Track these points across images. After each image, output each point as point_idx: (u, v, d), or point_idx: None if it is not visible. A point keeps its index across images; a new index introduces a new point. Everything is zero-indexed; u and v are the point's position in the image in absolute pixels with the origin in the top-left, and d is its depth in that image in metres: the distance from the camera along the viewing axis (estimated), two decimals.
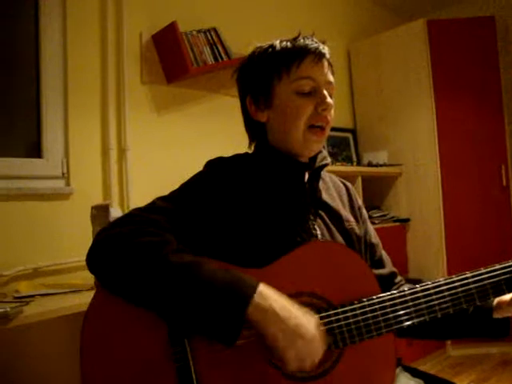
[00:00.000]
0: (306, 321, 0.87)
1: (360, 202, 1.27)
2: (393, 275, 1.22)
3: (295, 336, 0.84)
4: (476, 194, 3.26)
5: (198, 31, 2.57)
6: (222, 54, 2.59)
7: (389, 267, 1.23)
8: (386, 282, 1.18)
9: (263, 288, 0.86)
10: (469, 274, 1.00)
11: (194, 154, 2.62)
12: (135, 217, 0.96)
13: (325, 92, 1.07)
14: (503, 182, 3.25)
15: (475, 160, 3.28)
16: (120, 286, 0.90)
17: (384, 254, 1.24)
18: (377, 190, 3.49)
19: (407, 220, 3.37)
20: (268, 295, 0.85)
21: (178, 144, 2.60)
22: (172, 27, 2.42)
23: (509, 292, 1.00)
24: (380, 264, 1.21)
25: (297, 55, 1.07)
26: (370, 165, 3.36)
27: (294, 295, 0.92)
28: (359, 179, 3.08)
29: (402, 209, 3.42)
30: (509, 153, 3.31)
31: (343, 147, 3.53)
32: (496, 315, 1.06)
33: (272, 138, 1.13)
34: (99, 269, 0.92)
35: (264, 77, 1.10)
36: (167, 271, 0.86)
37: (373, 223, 3.06)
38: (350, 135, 3.62)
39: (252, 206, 1.04)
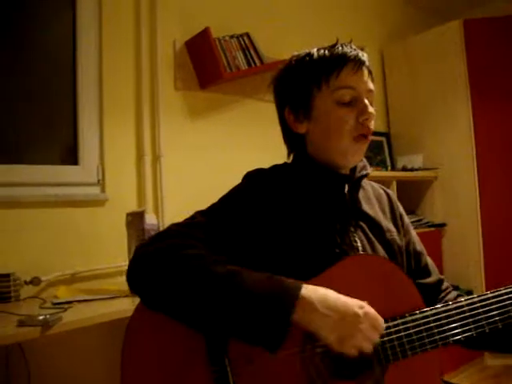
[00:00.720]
0: (352, 306, 0.86)
1: (401, 209, 1.23)
2: (439, 283, 1.19)
3: (346, 327, 0.83)
4: None
5: (231, 36, 2.57)
6: (255, 59, 2.59)
7: (435, 275, 1.19)
8: (433, 291, 1.16)
9: (306, 288, 0.85)
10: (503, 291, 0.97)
11: (229, 160, 2.63)
12: (174, 232, 0.96)
13: (366, 101, 1.04)
14: None
15: None
16: (161, 300, 0.89)
17: (429, 261, 1.21)
18: (411, 194, 3.43)
19: (443, 225, 3.30)
20: (312, 296, 0.84)
21: (211, 150, 2.60)
22: (205, 33, 2.43)
23: None
24: (426, 272, 1.18)
25: (336, 64, 1.04)
26: (404, 169, 3.31)
27: None
28: (394, 184, 3.03)
29: (437, 213, 3.35)
30: None
31: (377, 151, 3.48)
32: None
33: (312, 150, 1.10)
34: (140, 285, 0.92)
35: (302, 87, 1.07)
36: (210, 281, 0.85)
37: None
38: (383, 139, 3.56)
39: (292, 219, 1.02)
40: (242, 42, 2.59)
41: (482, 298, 0.95)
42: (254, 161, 2.59)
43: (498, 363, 3.09)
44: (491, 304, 0.95)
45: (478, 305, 0.94)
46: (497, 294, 0.96)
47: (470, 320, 0.94)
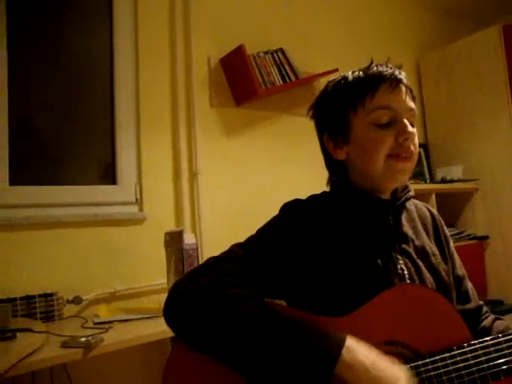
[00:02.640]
0: (398, 375, 0.81)
1: (447, 231, 1.18)
2: (479, 309, 1.15)
3: None
4: None
5: (265, 52, 2.58)
6: (290, 74, 2.58)
7: (475, 301, 1.15)
8: (473, 317, 1.12)
9: (350, 343, 0.81)
10: None
11: (266, 176, 2.63)
12: (212, 267, 0.93)
13: (405, 121, 0.98)
14: None
15: None
16: (200, 342, 0.88)
17: (470, 286, 1.17)
18: (451, 206, 3.35)
19: (485, 237, 3.20)
20: (356, 351, 0.80)
21: (248, 166, 2.61)
22: (239, 50, 2.45)
23: None
24: (466, 298, 1.14)
25: (370, 84, 1.00)
26: (443, 181, 3.23)
27: (382, 344, 0.87)
28: (433, 197, 2.96)
29: (479, 226, 3.25)
30: None
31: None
32: None
33: (353, 176, 1.07)
34: (177, 323, 0.90)
35: (339, 112, 1.04)
36: (250, 328, 0.83)
37: None
38: (421, 150, 3.50)
39: (333, 250, 0.99)
40: (277, 58, 2.59)
41: None
42: (292, 177, 2.62)
43: None
44: None
45: None
46: None
47: None
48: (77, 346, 1.40)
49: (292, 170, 2.64)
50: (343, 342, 0.80)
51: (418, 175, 3.37)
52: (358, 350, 0.81)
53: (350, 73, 1.06)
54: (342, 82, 1.05)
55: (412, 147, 0.99)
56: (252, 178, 2.60)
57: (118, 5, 2.32)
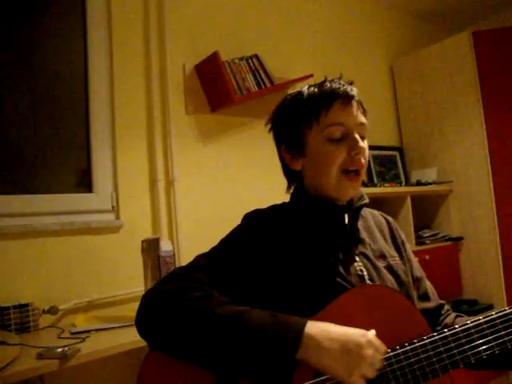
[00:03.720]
0: (354, 335, 0.87)
1: (403, 236, 1.25)
2: (439, 308, 1.20)
3: (351, 357, 0.85)
4: None
5: (240, 59, 2.59)
6: (265, 80, 2.60)
7: (435, 300, 1.21)
8: (433, 316, 1.16)
9: (310, 326, 0.86)
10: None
11: (242, 182, 2.64)
12: (179, 275, 0.98)
13: (356, 136, 1.06)
14: None
15: None
16: (170, 343, 0.91)
17: (429, 286, 1.23)
18: (427, 208, 3.40)
19: (460, 238, 3.26)
20: (315, 332, 0.86)
21: (225, 173, 2.61)
22: (214, 57, 2.45)
23: None
24: (425, 297, 1.19)
25: (324, 102, 1.06)
26: (418, 183, 3.28)
27: None
28: (408, 200, 3.01)
29: (453, 227, 3.31)
30: None
31: (390, 166, 3.47)
32: None
33: (308, 185, 1.13)
34: (149, 330, 0.94)
35: (295, 126, 1.10)
36: (216, 322, 0.87)
37: (423, 243, 3.03)
38: (396, 153, 3.55)
39: (294, 256, 1.03)
40: (252, 64, 2.60)
41: (488, 319, 0.95)
42: (268, 182, 2.63)
43: None
44: (498, 324, 0.94)
45: (485, 326, 0.94)
46: (502, 314, 0.95)
47: (479, 342, 0.93)
48: (52, 357, 1.38)
49: (268, 176, 2.65)
50: (303, 325, 0.86)
51: (393, 178, 3.42)
52: (318, 330, 0.86)
53: (305, 88, 1.12)
54: (298, 97, 1.11)
55: (363, 160, 1.06)
56: (229, 185, 2.61)
57: (91, 13, 2.31)
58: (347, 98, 1.06)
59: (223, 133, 2.65)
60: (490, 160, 3.14)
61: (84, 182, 2.26)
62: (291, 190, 1.20)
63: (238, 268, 1.01)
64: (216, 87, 2.50)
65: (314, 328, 0.86)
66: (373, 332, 0.90)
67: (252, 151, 2.72)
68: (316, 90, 1.09)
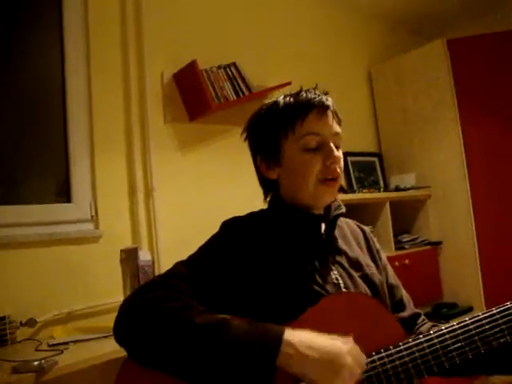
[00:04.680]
0: (335, 344, 0.87)
1: (378, 245, 1.27)
2: (414, 317, 1.21)
3: (331, 366, 0.84)
4: (509, 213, 3.16)
5: (218, 67, 2.60)
6: (243, 89, 2.61)
7: (410, 309, 1.22)
8: (408, 325, 1.17)
9: (289, 334, 0.86)
10: (495, 311, 0.98)
11: (222, 190, 2.65)
12: (158, 283, 0.98)
13: (331, 145, 1.07)
14: None
15: (506, 178, 3.19)
16: (148, 354, 0.90)
17: (404, 294, 1.24)
18: (406, 213, 3.44)
19: (439, 243, 3.29)
20: (295, 340, 0.85)
21: (204, 181, 2.61)
22: (192, 65, 2.46)
23: None
24: (400, 306, 1.21)
25: (300, 112, 1.07)
26: (397, 189, 3.31)
27: None
28: (387, 205, 3.04)
29: (432, 232, 3.35)
30: None
31: (369, 172, 3.50)
32: None
33: (284, 194, 1.14)
34: (127, 339, 0.93)
35: (270, 136, 1.11)
36: (194, 333, 0.86)
37: (403, 248, 3.06)
38: (375, 159, 3.58)
39: (271, 263, 1.04)
40: (230, 72, 2.61)
41: (462, 324, 0.96)
42: (248, 191, 2.61)
43: (504, 378, 3.06)
44: (471, 330, 0.95)
45: (459, 331, 0.95)
46: (475, 319, 0.97)
47: (452, 347, 0.94)
48: (28, 370, 1.36)
49: (248, 184, 2.64)
50: (281, 334, 0.85)
51: (372, 184, 3.45)
52: (296, 339, 0.86)
53: (281, 98, 1.13)
54: (274, 107, 1.12)
55: (338, 169, 1.08)
56: (208, 193, 2.60)
57: (68, 21, 2.29)
58: (322, 108, 1.08)
59: (202, 141, 2.65)
60: (467, 164, 3.19)
61: (63, 193, 2.24)
62: (268, 199, 1.20)
63: (217, 275, 1.01)
64: (194, 96, 2.51)
65: (294, 336, 0.86)
66: (350, 338, 0.90)
67: (231, 159, 2.73)
68: (292, 99, 1.10)
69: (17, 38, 2.21)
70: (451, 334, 0.95)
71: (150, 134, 2.43)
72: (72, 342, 1.74)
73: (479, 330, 0.95)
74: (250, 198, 2.47)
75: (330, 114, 1.09)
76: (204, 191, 2.60)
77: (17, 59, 2.21)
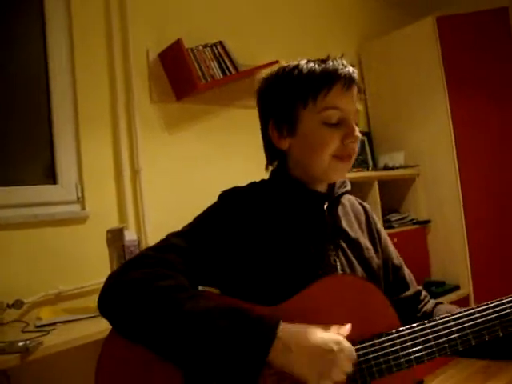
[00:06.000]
0: (328, 342, 0.84)
1: (379, 224, 1.21)
2: (418, 294, 1.18)
3: (323, 364, 0.82)
4: (496, 191, 3.19)
5: (204, 46, 2.57)
6: (230, 67, 2.59)
7: (413, 287, 1.19)
8: (412, 303, 1.16)
9: (282, 327, 0.83)
10: (490, 305, 0.95)
11: (210, 170, 2.64)
12: (148, 258, 0.92)
13: (353, 124, 1.00)
14: None
15: (494, 157, 3.21)
16: (135, 333, 0.87)
17: (407, 273, 1.20)
18: (394, 192, 3.45)
19: (427, 222, 3.32)
20: (287, 335, 0.82)
21: (191, 161, 2.60)
22: (177, 44, 2.43)
23: None
24: (404, 285, 1.18)
25: (325, 82, 0.98)
26: (386, 168, 3.31)
27: None
28: (375, 184, 3.04)
29: (421, 211, 3.37)
30: None
31: (359, 151, 3.46)
32: None
33: (292, 167, 1.07)
34: (112, 314, 0.89)
35: (288, 103, 1.02)
36: (183, 320, 0.82)
37: (391, 227, 3.07)
38: (364, 138, 3.58)
39: (270, 239, 0.99)
40: (216, 51, 2.59)
41: (456, 316, 0.94)
42: (235, 170, 2.63)
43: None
44: (465, 322, 0.93)
45: (453, 323, 0.93)
46: (471, 312, 0.94)
47: (445, 339, 0.92)
48: (14, 351, 1.37)
49: (235, 164, 2.65)
50: (275, 329, 0.82)
51: (361, 163, 3.45)
52: (290, 335, 0.83)
53: (304, 62, 1.03)
54: (296, 71, 1.02)
55: (356, 148, 1.01)
56: (195, 173, 2.59)
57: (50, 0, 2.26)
58: (349, 81, 0.99)
59: (189, 121, 2.63)
60: (455, 143, 3.20)
61: (49, 174, 2.22)
62: (271, 168, 1.12)
63: (213, 248, 0.96)
64: (180, 75, 2.48)
65: (286, 331, 0.82)
66: (348, 326, 0.88)
67: (218, 139, 2.72)
68: (317, 66, 1.01)
69: None
70: (445, 325, 0.93)
71: (135, 114, 2.41)
72: (59, 322, 1.75)
73: (472, 323, 0.94)
74: (237, 178, 2.47)
75: (354, 88, 1.01)
76: (191, 171, 2.59)
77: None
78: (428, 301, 1.19)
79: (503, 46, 3.24)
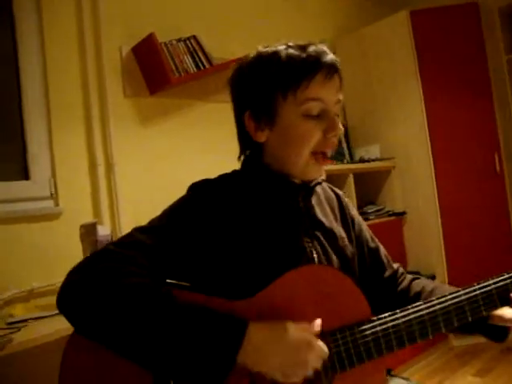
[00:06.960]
0: (299, 342, 0.83)
1: (353, 211, 1.20)
2: (395, 274, 1.20)
3: (294, 362, 0.81)
4: (470, 183, 3.24)
5: (178, 40, 2.56)
6: (204, 62, 2.58)
7: (390, 268, 1.20)
8: (390, 283, 1.17)
9: (252, 326, 0.81)
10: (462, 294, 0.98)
11: (184, 164, 2.63)
12: (110, 254, 0.87)
13: (335, 117, 0.97)
14: (497, 170, 3.23)
15: (468, 149, 3.25)
16: (96, 334, 0.83)
17: (383, 254, 1.20)
18: (370, 184, 3.48)
19: (403, 213, 3.35)
20: (257, 334, 0.81)
21: (166, 155, 2.59)
22: (150, 38, 2.42)
23: (501, 306, 0.98)
24: (382, 267, 1.18)
25: (306, 72, 0.93)
26: (361, 160, 3.34)
27: None
28: (351, 177, 3.06)
29: (397, 202, 3.40)
30: (501, 140, 3.28)
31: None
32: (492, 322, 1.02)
33: (268, 159, 1.03)
34: (73, 314, 0.83)
35: (267, 95, 0.97)
36: (149, 319, 0.79)
37: (368, 219, 3.10)
38: None
39: (244, 231, 0.96)
40: (190, 45, 2.58)
41: (428, 304, 0.95)
42: (209, 164, 2.61)
43: (463, 343, 3.16)
44: (437, 310, 0.95)
45: (425, 312, 0.94)
46: (442, 299, 0.95)
47: (416, 328, 0.93)
48: None
49: (209, 158, 2.64)
50: (244, 329, 0.80)
51: (338, 156, 3.46)
52: (259, 336, 0.81)
53: (283, 49, 0.97)
54: (274, 58, 0.97)
55: (336, 142, 0.98)
56: (169, 168, 2.59)
57: None
58: (332, 70, 0.95)
59: (163, 115, 2.62)
60: (430, 136, 3.23)
61: (20, 170, 2.20)
62: (243, 158, 1.08)
63: (184, 241, 0.91)
64: (153, 69, 2.47)
65: (257, 331, 0.81)
66: (318, 322, 0.87)
67: (193, 134, 2.71)
68: (297, 53, 0.95)
69: None
70: (417, 314, 0.94)
71: (109, 108, 2.39)
72: (31, 319, 1.74)
73: (443, 311, 0.95)
74: (211, 172, 2.47)
75: (337, 78, 0.97)
76: (166, 165, 2.58)
77: None
78: (404, 277, 1.20)
79: (474, 40, 3.29)
